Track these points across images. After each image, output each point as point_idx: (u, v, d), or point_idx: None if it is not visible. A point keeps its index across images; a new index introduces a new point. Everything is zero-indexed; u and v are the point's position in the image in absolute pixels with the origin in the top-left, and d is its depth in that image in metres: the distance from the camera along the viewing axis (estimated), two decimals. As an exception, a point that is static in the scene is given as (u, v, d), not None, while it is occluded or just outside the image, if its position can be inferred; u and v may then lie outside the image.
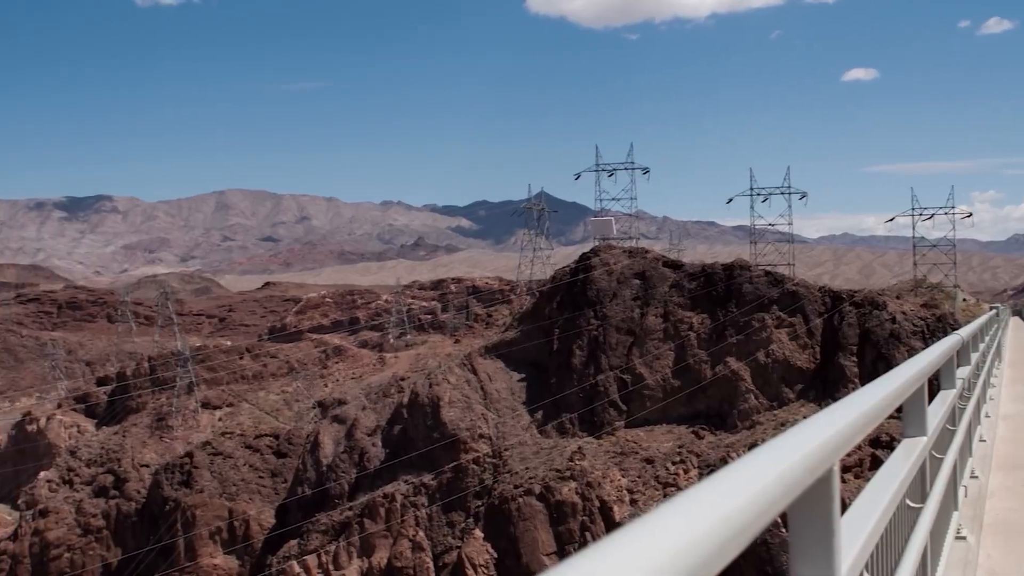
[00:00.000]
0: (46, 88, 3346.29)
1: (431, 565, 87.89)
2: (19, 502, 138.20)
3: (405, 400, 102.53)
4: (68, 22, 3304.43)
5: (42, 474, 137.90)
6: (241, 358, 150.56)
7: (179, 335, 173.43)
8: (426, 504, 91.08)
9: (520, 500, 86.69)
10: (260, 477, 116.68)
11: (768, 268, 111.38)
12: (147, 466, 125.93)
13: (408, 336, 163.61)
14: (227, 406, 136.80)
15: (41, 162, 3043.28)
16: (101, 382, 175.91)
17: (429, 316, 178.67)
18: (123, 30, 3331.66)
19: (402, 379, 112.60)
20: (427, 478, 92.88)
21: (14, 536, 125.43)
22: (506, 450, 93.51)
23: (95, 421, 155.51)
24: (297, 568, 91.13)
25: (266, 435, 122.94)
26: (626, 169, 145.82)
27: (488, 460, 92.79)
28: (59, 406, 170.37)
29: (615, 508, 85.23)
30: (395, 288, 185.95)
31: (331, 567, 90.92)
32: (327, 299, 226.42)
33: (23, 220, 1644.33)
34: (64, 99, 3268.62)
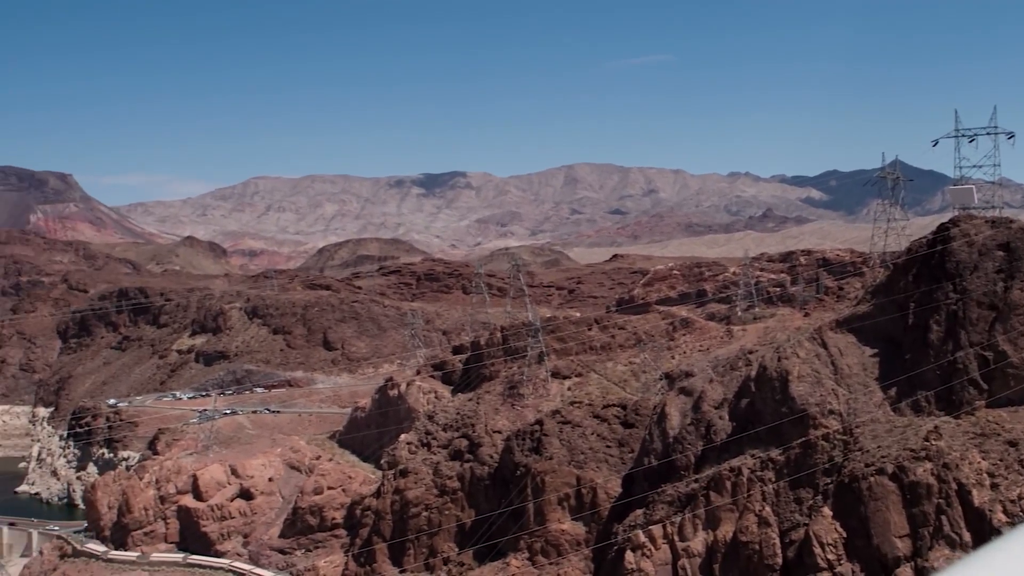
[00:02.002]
0: (406, 75, 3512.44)
1: (777, 541, 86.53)
2: (382, 462, 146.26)
3: (753, 373, 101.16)
4: (410, 15, 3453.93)
5: (403, 436, 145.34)
6: (590, 329, 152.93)
7: (530, 306, 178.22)
8: (773, 479, 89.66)
9: (872, 479, 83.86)
10: (607, 446, 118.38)
11: None
12: (499, 432, 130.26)
13: (756, 309, 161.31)
14: (576, 376, 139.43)
15: (400, 142, 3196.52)
16: (456, 350, 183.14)
17: (778, 289, 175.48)
18: (470, 12, 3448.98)
19: (750, 352, 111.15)
20: (775, 453, 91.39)
21: (377, 493, 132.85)
22: (857, 427, 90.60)
23: (451, 387, 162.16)
24: (642, 537, 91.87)
25: (613, 405, 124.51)
26: (988, 134, 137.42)
27: (838, 437, 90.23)
28: (418, 372, 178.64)
29: (974, 492, 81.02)
30: (743, 260, 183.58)
31: (676, 538, 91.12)
32: (674, 271, 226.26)
33: (384, 196, 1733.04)
34: (419, 85, 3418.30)
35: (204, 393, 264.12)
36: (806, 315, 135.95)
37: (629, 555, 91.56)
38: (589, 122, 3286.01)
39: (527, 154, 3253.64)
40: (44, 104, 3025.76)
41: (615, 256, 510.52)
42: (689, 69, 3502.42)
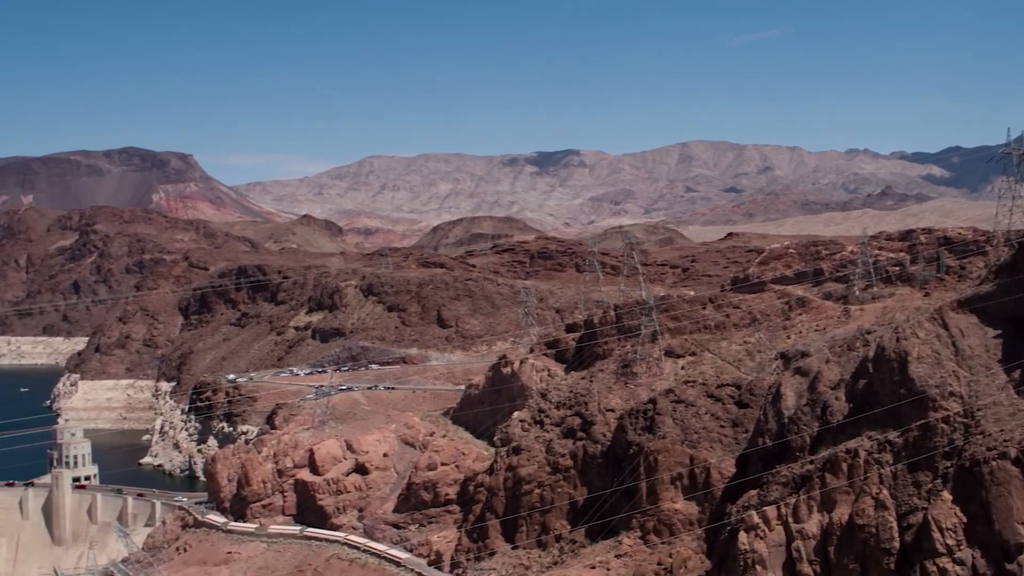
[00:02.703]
0: (520, 52, 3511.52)
1: (895, 525, 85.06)
2: (495, 439, 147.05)
3: (871, 354, 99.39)
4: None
5: (515, 414, 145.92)
6: (704, 308, 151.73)
7: (644, 284, 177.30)
8: (891, 462, 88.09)
9: (994, 464, 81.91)
10: (721, 426, 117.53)
11: None
12: (612, 410, 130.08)
13: (874, 288, 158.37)
14: (690, 355, 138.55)
15: (514, 120, 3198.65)
16: (570, 328, 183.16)
17: (897, 268, 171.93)
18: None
19: (868, 332, 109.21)
20: (892, 435, 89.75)
21: (490, 470, 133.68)
22: (979, 410, 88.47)
23: (564, 365, 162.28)
24: (756, 518, 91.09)
25: (728, 384, 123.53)
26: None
27: (959, 419, 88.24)
28: (531, 350, 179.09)
29: (1103, 478, 78.67)
30: (861, 239, 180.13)
31: (790, 519, 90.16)
32: (790, 250, 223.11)
33: (498, 175, 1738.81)
34: (533, 63, 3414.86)
35: (320, 369, 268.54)
36: (926, 295, 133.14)
37: (742, 536, 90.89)
38: (704, 99, 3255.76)
39: (641, 131, 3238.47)
40: (166, 87, 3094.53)
41: (730, 234, 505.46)
42: (808, 44, 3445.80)
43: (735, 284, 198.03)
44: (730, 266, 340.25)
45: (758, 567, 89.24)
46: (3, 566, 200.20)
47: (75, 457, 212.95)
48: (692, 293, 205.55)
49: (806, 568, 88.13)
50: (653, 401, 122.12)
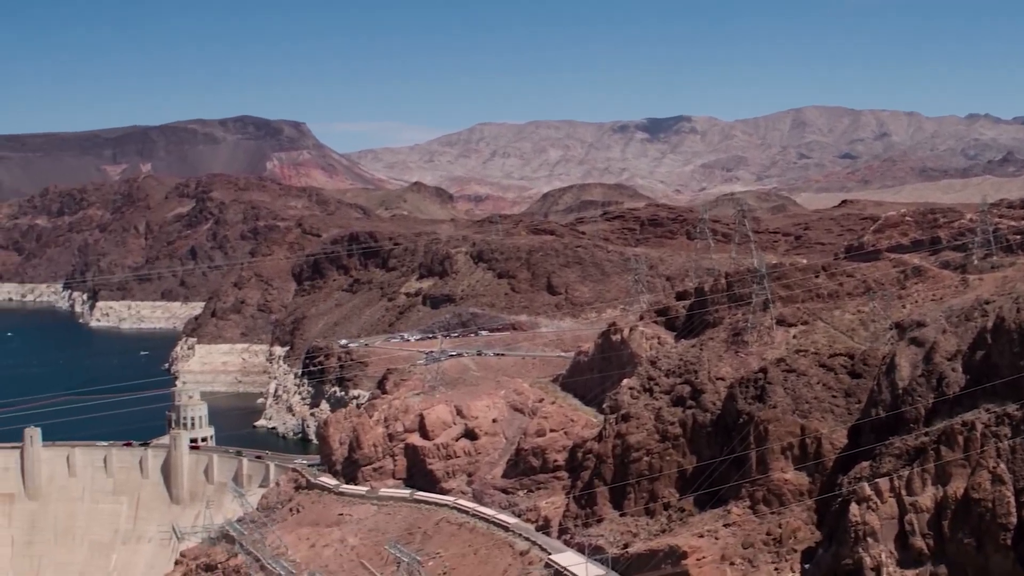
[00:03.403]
0: (630, 16, 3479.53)
1: (1012, 500, 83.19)
2: (604, 406, 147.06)
3: (989, 325, 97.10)
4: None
5: (625, 381, 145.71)
6: (817, 276, 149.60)
7: (755, 252, 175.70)
8: (1009, 436, 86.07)
9: (1118, 438, 79.68)
10: (833, 396, 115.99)
11: None
12: (722, 379, 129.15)
13: (994, 257, 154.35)
14: (802, 324, 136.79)
15: (625, 86, 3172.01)
16: (680, 296, 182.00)
17: (1018, 237, 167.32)
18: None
19: (986, 303, 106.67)
20: (1011, 408, 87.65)
21: (599, 437, 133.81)
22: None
23: (674, 333, 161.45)
24: (868, 490, 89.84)
25: (841, 354, 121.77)
26: None
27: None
28: (641, 318, 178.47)
29: None
30: (981, 206, 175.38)
31: (903, 492, 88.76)
32: (907, 217, 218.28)
33: (608, 142, 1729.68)
34: (643, 27, 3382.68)
35: (431, 335, 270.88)
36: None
37: (854, 508, 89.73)
38: (819, 63, 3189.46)
39: (754, 97, 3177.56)
40: (279, 56, 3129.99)
41: (844, 202, 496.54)
42: (927, 6, 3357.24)
43: (849, 252, 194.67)
44: (844, 234, 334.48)
45: (869, 539, 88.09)
46: (124, 523, 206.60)
47: (192, 419, 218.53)
48: (805, 261, 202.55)
49: (919, 542, 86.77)
50: (764, 370, 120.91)
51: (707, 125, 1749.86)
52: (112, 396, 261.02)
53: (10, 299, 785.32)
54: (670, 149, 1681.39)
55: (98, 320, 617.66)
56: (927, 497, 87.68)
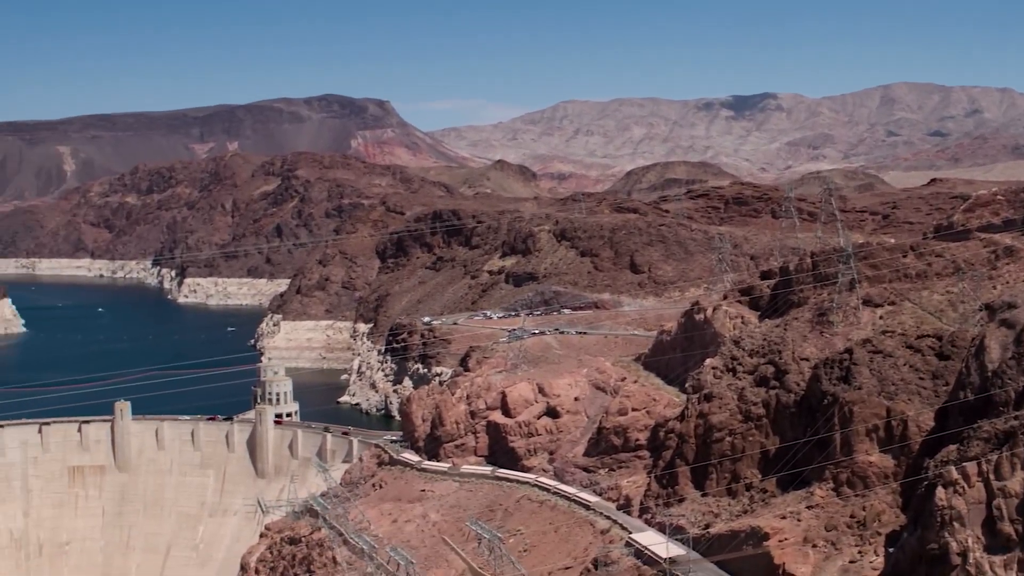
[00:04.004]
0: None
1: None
2: (686, 385, 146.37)
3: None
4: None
5: (708, 361, 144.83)
6: (904, 256, 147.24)
7: (842, 231, 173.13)
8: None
9: None
10: (920, 378, 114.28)
11: None
12: (807, 360, 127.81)
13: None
14: (888, 304, 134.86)
15: (709, 63, 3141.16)
16: (764, 276, 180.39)
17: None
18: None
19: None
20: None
21: (681, 417, 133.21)
22: None
23: (758, 313, 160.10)
24: (955, 474, 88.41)
25: (928, 336, 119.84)
26: None
27: None
28: (725, 297, 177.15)
29: None
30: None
31: (992, 477, 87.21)
32: (998, 196, 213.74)
33: (692, 119, 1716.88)
34: (727, 4, 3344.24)
35: (513, 313, 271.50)
36: None
37: (940, 491, 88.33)
38: (908, 39, 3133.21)
39: (840, 74, 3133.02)
40: (364, 35, 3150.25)
41: (933, 180, 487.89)
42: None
43: (938, 232, 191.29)
44: (933, 213, 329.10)
45: (956, 524, 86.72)
46: (211, 496, 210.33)
47: (277, 394, 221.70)
48: (892, 241, 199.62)
49: (1007, 527, 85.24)
50: (849, 351, 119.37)
51: (793, 102, 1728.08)
52: (199, 371, 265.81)
53: (101, 275, 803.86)
54: (755, 127, 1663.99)
55: (186, 296, 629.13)
56: (1016, 482, 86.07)
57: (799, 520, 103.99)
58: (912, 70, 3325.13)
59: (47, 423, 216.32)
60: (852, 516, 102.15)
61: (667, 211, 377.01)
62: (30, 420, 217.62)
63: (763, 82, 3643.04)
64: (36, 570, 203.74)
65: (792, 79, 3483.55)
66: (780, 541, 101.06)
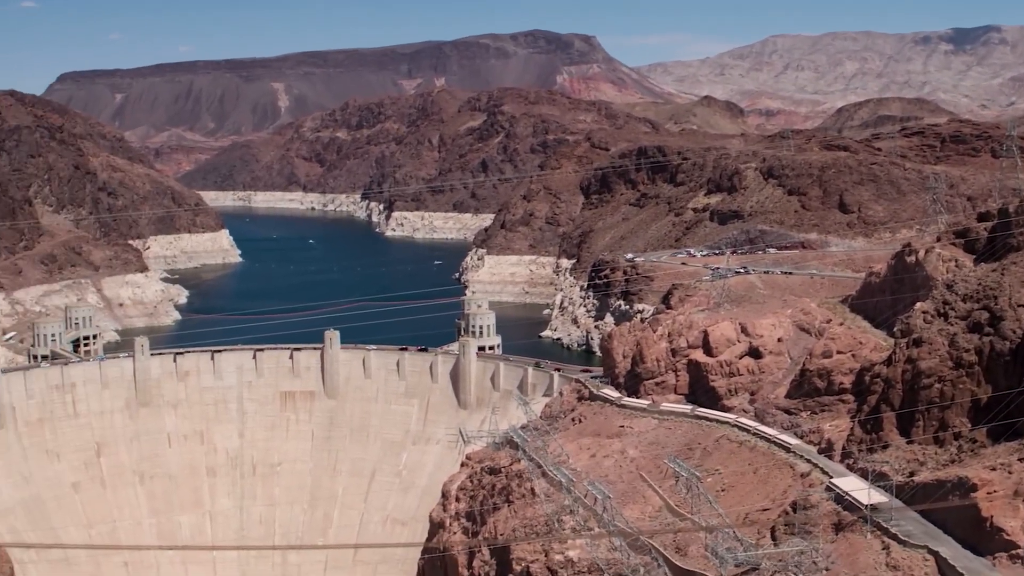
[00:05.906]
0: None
1: None
2: (895, 329, 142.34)
3: None
4: None
5: (918, 305, 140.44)
6: None
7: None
8: None
9: None
10: None
11: None
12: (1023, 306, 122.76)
13: None
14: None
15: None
16: (982, 217, 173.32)
17: None
18: None
19: None
20: None
21: (888, 361, 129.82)
22: None
23: (973, 257, 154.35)
24: None
25: None
26: None
27: None
28: (938, 239, 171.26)
29: None
30: None
31: None
32: None
33: (909, 54, 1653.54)
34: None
35: (717, 251, 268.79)
36: None
37: None
38: None
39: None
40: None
41: None
42: None
43: None
44: None
45: None
46: (415, 424, 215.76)
47: (480, 327, 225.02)
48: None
49: None
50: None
51: (1018, 35, 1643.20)
52: (405, 303, 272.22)
53: (312, 208, 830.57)
54: (976, 61, 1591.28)
55: (393, 230, 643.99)
56: None
57: (1010, 472, 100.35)
58: None
59: (261, 349, 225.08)
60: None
61: (879, 149, 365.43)
62: (246, 347, 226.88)
63: (986, 14, 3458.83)
64: (249, 488, 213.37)
65: (1018, 10, 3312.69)
66: (989, 493, 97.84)
